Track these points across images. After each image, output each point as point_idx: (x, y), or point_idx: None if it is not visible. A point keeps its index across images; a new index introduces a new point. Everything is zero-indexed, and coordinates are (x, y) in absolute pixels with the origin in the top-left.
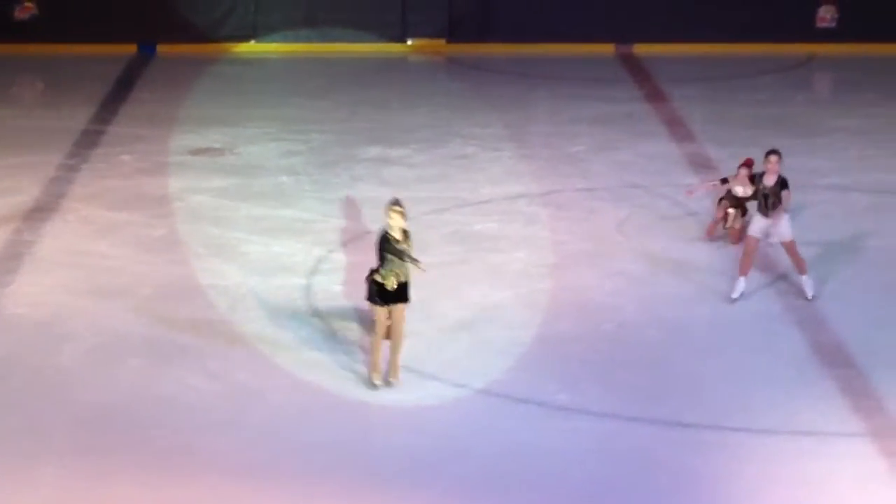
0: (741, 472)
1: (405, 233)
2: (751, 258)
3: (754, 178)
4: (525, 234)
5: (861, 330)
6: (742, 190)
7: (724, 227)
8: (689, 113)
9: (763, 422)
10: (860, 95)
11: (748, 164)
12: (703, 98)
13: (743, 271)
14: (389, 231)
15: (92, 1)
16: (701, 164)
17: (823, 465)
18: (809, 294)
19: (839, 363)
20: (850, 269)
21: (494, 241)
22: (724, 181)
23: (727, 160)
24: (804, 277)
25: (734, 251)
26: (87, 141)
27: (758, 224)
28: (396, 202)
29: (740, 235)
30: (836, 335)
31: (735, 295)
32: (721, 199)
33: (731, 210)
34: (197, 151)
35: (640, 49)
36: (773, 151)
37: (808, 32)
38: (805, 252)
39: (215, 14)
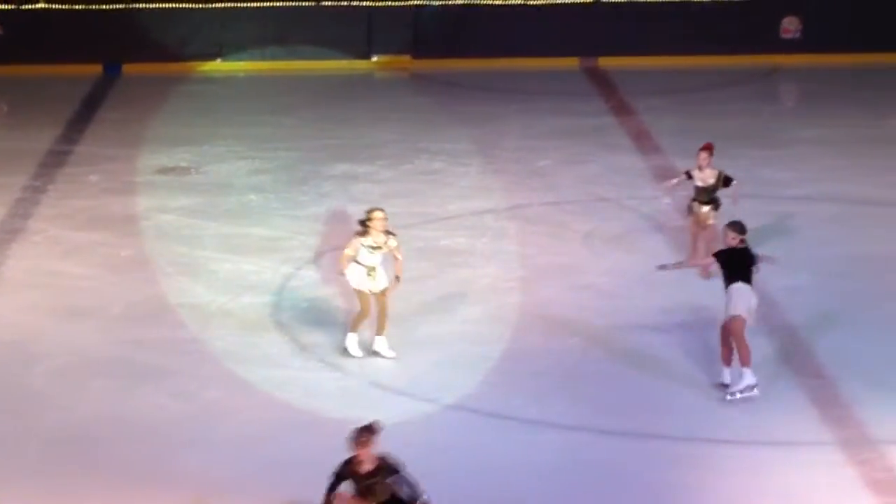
0: (712, 484)
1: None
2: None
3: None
4: (493, 249)
5: (829, 339)
6: (703, 176)
7: (693, 223)
8: (656, 125)
9: (733, 433)
10: (825, 106)
11: (707, 147)
12: (668, 110)
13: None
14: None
15: (57, 21)
16: (668, 177)
17: (794, 475)
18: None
19: (808, 373)
20: (816, 280)
21: (463, 256)
22: (689, 175)
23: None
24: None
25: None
26: (54, 161)
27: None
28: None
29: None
30: (805, 345)
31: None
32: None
33: (704, 209)
34: (164, 171)
35: (605, 62)
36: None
37: (773, 44)
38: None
39: (181, 33)
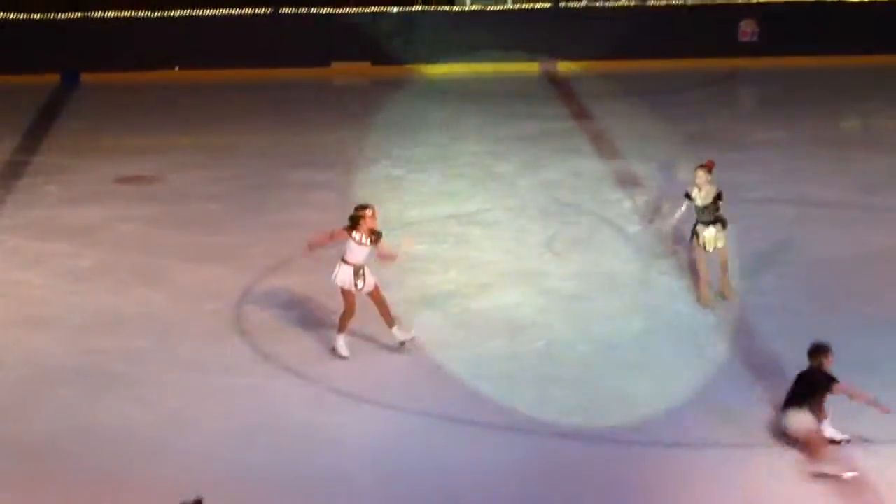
0: (675, 486)
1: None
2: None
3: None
4: (455, 255)
5: (790, 341)
6: (704, 197)
7: (697, 246)
8: (615, 129)
9: (697, 436)
10: (783, 109)
11: (706, 165)
12: (628, 114)
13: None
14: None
15: (13, 30)
16: (628, 181)
17: (759, 478)
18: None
19: (770, 374)
20: (777, 281)
21: (425, 262)
22: (689, 197)
23: (653, 175)
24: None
25: (662, 265)
26: (11, 172)
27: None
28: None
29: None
30: (766, 347)
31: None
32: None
33: (710, 230)
34: (123, 180)
35: (565, 67)
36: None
37: (731, 47)
38: (733, 264)
39: (139, 42)
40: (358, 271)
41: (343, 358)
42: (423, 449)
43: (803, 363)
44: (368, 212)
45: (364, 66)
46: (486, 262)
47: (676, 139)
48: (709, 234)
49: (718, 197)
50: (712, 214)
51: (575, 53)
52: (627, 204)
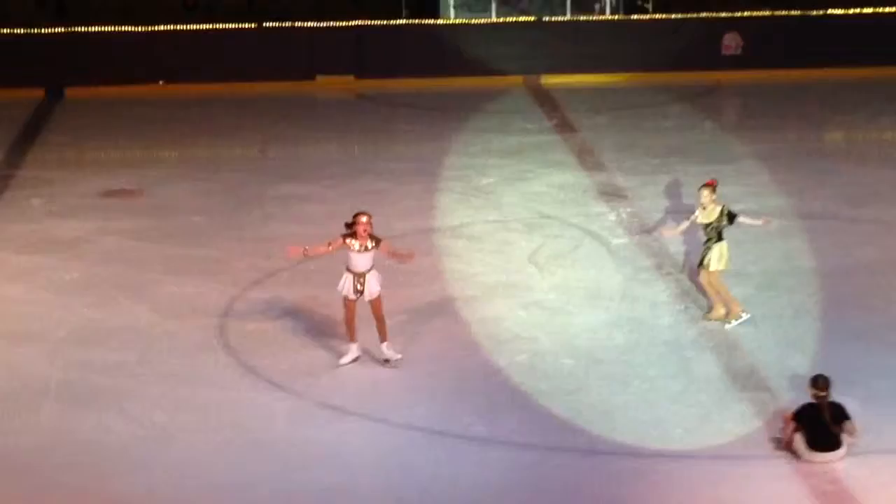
0: (659, 499)
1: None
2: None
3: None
4: (439, 268)
5: (774, 353)
6: (708, 215)
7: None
8: (599, 143)
9: (680, 447)
10: (767, 121)
11: (710, 185)
12: (611, 127)
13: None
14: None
15: None
16: (612, 194)
17: (741, 489)
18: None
19: (753, 387)
20: (761, 293)
21: (408, 275)
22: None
23: (637, 188)
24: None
25: (646, 278)
26: None
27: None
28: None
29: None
30: (750, 359)
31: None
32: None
33: (714, 246)
34: (108, 193)
35: (549, 80)
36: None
37: (714, 60)
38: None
39: (124, 57)
40: (359, 279)
41: (340, 365)
42: (406, 462)
43: (785, 373)
44: (363, 219)
45: (348, 80)
46: (470, 275)
47: (660, 152)
48: (713, 253)
49: (730, 216)
50: (715, 232)
51: (559, 67)
52: (611, 217)
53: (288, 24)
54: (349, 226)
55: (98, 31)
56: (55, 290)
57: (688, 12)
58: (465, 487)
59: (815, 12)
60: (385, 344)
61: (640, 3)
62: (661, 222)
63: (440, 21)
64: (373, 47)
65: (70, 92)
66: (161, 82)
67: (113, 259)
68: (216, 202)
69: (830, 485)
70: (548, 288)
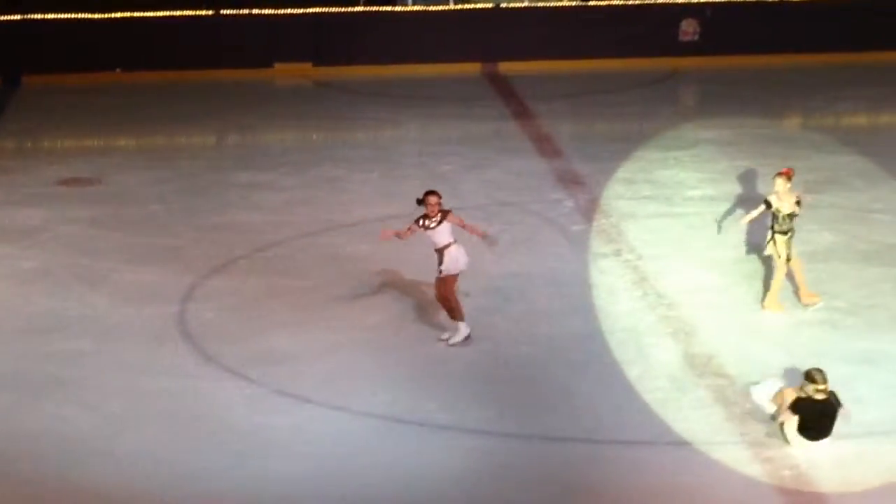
0: (620, 485)
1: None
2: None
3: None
4: (398, 255)
5: (731, 339)
6: (788, 205)
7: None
8: (556, 129)
9: (639, 434)
10: (724, 108)
11: (786, 174)
12: (569, 114)
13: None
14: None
15: None
16: (570, 180)
17: (700, 474)
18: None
19: (711, 373)
20: (719, 280)
21: (367, 262)
22: (768, 204)
23: (595, 175)
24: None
25: (604, 265)
26: None
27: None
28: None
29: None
30: (708, 345)
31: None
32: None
33: (777, 237)
34: (65, 182)
35: (506, 67)
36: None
37: (672, 47)
38: (674, 264)
39: (81, 44)
40: (440, 255)
41: (451, 345)
42: (367, 450)
43: (743, 359)
44: (433, 199)
45: (306, 67)
46: (429, 262)
47: (618, 138)
48: (781, 243)
49: (798, 204)
50: (789, 223)
51: (516, 53)
52: (569, 203)
53: (245, 11)
54: (420, 203)
55: (54, 19)
56: (12, 279)
57: None
58: (427, 475)
59: None
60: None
61: None
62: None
63: (398, 8)
64: (331, 34)
65: (26, 80)
66: (118, 70)
67: (70, 247)
68: (174, 190)
69: (788, 470)
70: (506, 275)
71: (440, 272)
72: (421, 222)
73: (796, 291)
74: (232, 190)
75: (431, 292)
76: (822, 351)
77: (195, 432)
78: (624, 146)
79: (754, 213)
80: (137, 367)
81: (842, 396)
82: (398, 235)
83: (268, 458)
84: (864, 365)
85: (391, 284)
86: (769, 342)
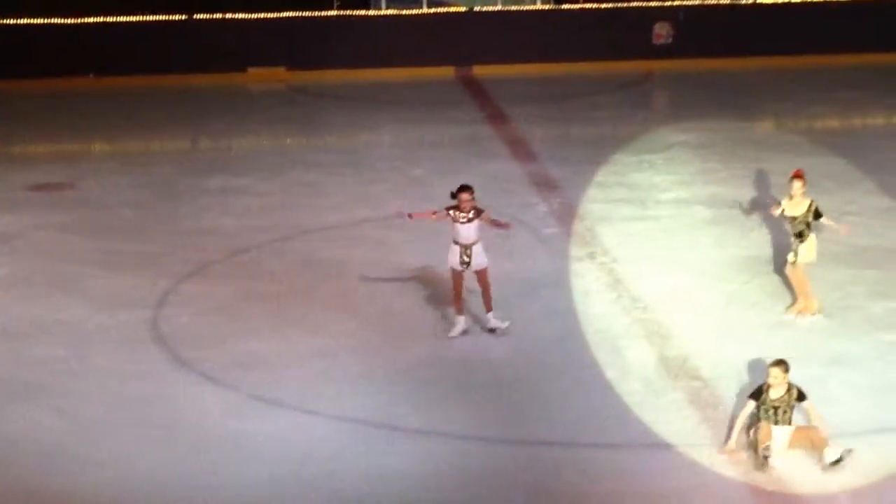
0: (596, 489)
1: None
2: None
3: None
4: (372, 259)
5: (706, 342)
6: (792, 206)
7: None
8: (530, 133)
9: (615, 437)
10: (697, 110)
11: (799, 175)
12: (543, 118)
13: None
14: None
15: None
16: (544, 184)
17: (675, 477)
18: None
19: (686, 375)
20: (692, 282)
21: (342, 266)
22: (780, 206)
23: (569, 178)
24: (490, 314)
25: (578, 268)
26: None
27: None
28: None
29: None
30: (682, 348)
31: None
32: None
33: (795, 243)
34: (38, 187)
35: (480, 71)
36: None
37: (645, 50)
38: (648, 266)
39: (54, 48)
40: (465, 250)
41: (449, 337)
42: (342, 454)
43: (720, 361)
44: (465, 196)
45: (280, 72)
46: (403, 265)
47: (591, 141)
48: (802, 247)
49: (816, 213)
50: (800, 227)
51: (490, 57)
52: (543, 207)
53: (219, 15)
54: (454, 196)
55: (27, 24)
56: None
57: (619, 2)
58: (400, 479)
59: (744, 1)
60: (490, 314)
61: None
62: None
63: (371, 12)
64: (304, 39)
65: None
66: (91, 75)
67: (44, 253)
68: (148, 195)
69: (763, 473)
70: None
71: (466, 266)
72: (452, 212)
73: (794, 296)
74: (206, 195)
75: (405, 297)
76: (796, 352)
77: (170, 437)
78: (597, 149)
79: (776, 213)
80: (112, 372)
81: (815, 397)
82: (410, 217)
83: (242, 463)
84: (837, 366)
85: (365, 289)
86: (743, 344)
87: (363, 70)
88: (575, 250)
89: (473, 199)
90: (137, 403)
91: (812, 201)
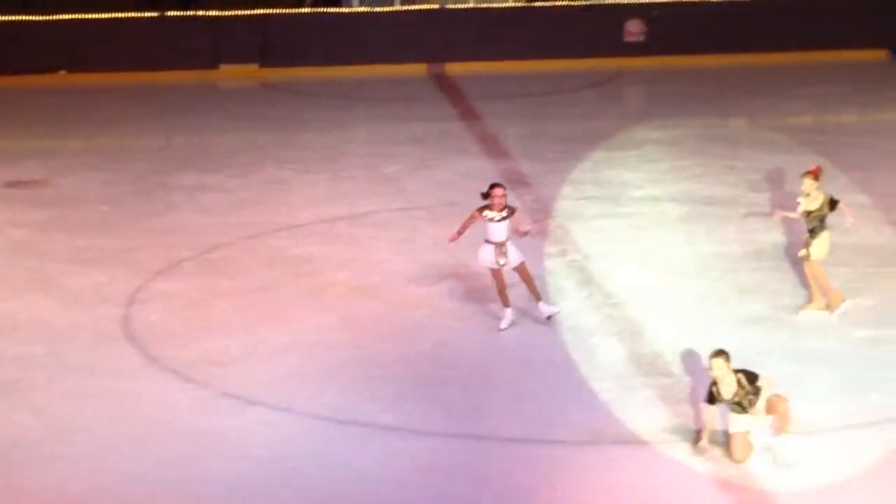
0: (567, 485)
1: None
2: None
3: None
4: (345, 256)
5: (677, 338)
6: (813, 203)
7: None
8: (503, 130)
9: (585, 433)
10: (669, 108)
11: (814, 172)
12: (515, 115)
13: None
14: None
15: None
16: (516, 181)
17: (646, 473)
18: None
19: (657, 372)
20: (663, 279)
21: (314, 263)
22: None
23: (541, 175)
24: (540, 304)
25: (550, 265)
26: None
27: (487, 254)
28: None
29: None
30: (653, 345)
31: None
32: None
33: (817, 235)
34: (13, 184)
35: (452, 68)
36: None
37: (617, 47)
38: (619, 263)
39: (27, 45)
40: (499, 248)
41: (501, 330)
42: (313, 451)
43: (689, 358)
44: (498, 191)
45: (252, 69)
46: (375, 263)
47: (563, 139)
48: (816, 242)
49: (831, 203)
50: (814, 223)
51: (462, 54)
52: (516, 204)
53: (191, 12)
54: (485, 196)
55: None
56: None
57: None
58: (374, 476)
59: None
60: (541, 303)
61: None
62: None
63: (344, 9)
64: (276, 36)
65: None
66: (62, 72)
67: (18, 250)
68: (121, 192)
69: (733, 469)
70: (452, 276)
71: (505, 263)
72: (484, 213)
73: (809, 293)
74: (178, 192)
75: (376, 293)
76: (768, 349)
77: (142, 435)
78: (570, 147)
79: (792, 214)
80: (85, 369)
81: (788, 394)
82: (461, 232)
83: (213, 459)
84: (809, 362)
85: (337, 286)
86: (714, 341)
87: (336, 67)
88: (546, 247)
89: (505, 196)
90: (109, 400)
91: (826, 194)
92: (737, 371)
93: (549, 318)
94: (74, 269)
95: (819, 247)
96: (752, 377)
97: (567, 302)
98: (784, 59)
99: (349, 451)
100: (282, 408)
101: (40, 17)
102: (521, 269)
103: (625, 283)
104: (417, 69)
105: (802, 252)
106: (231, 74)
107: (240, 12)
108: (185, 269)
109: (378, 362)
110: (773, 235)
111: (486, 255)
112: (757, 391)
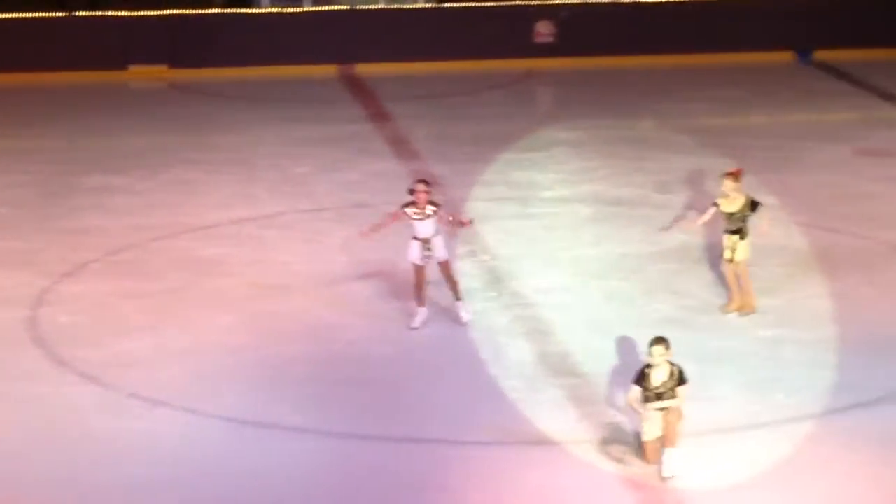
0: (477, 486)
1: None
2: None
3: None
4: (252, 258)
5: (585, 338)
6: (734, 205)
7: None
8: (413, 131)
9: (495, 434)
10: (579, 109)
11: (733, 173)
12: (425, 116)
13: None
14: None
15: None
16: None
17: (553, 474)
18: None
19: (565, 372)
20: (572, 279)
21: (222, 265)
22: (715, 205)
23: (451, 176)
24: (459, 304)
25: (459, 266)
26: None
27: (414, 250)
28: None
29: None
30: (562, 345)
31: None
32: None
33: (730, 237)
34: None
35: (363, 69)
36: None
37: (527, 48)
38: (528, 264)
39: None
40: (425, 245)
41: (412, 328)
42: (220, 453)
43: (597, 358)
44: (421, 187)
45: (161, 70)
46: (282, 264)
47: (473, 140)
48: (729, 242)
49: (752, 205)
50: (738, 223)
51: (373, 55)
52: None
53: (99, 12)
54: (411, 193)
55: None
56: None
57: (500, 0)
58: (277, 477)
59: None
60: (459, 303)
61: None
62: (680, 217)
63: (253, 10)
64: (186, 36)
65: None
66: None
67: None
68: (24, 194)
69: (639, 469)
70: (362, 276)
71: (429, 258)
72: (406, 210)
73: (730, 294)
74: (84, 193)
75: (284, 294)
76: (675, 349)
77: (49, 437)
78: (480, 148)
79: (706, 216)
80: None
81: (695, 395)
82: (370, 232)
83: (119, 463)
84: (716, 363)
85: (245, 287)
86: (622, 341)
87: (246, 68)
88: (456, 248)
89: (429, 192)
90: (17, 403)
91: (747, 196)
92: (672, 364)
93: (464, 322)
94: None
95: (745, 248)
96: (682, 379)
97: (476, 303)
98: (692, 61)
99: (258, 453)
100: (188, 409)
101: None
102: (443, 266)
103: (533, 284)
104: (328, 70)
105: (728, 254)
106: (140, 75)
107: (149, 13)
108: (92, 270)
109: (287, 363)
110: (678, 236)
111: (413, 252)
112: (676, 394)
